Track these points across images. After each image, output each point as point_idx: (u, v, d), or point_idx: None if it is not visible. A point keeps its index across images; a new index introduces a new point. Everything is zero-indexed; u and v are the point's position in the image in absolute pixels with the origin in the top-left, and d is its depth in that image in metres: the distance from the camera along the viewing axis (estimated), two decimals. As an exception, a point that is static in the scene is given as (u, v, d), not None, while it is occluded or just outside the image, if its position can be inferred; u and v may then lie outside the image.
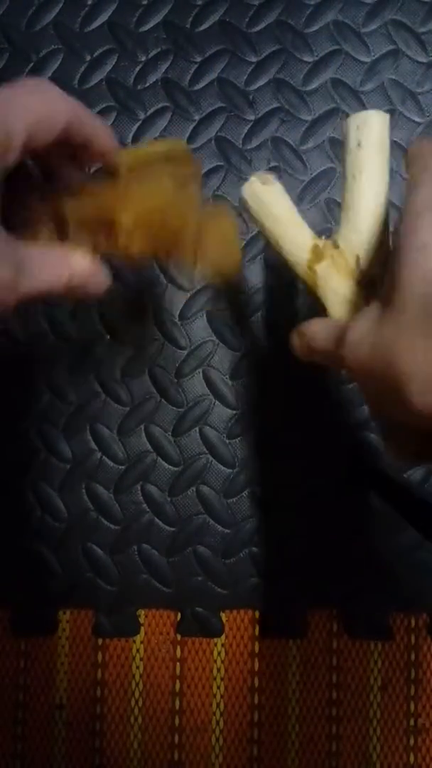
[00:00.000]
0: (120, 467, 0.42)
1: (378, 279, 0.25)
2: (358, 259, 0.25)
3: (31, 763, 0.41)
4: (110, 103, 0.44)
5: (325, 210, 0.43)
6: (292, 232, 0.27)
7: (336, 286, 0.25)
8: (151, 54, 0.44)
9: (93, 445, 0.42)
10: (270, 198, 0.27)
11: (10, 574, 0.42)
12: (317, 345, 0.23)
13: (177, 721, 0.41)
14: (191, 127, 0.43)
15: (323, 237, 0.26)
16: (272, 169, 0.43)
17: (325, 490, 0.42)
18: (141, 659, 0.42)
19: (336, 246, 0.26)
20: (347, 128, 0.25)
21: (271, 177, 0.27)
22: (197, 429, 0.42)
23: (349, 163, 0.25)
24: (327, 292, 0.25)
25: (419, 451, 0.21)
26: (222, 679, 0.41)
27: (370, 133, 0.25)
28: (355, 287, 0.25)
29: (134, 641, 0.42)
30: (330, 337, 0.22)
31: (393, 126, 0.42)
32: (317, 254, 0.26)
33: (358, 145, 0.25)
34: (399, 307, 0.18)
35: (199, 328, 0.42)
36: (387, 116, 0.25)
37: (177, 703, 0.42)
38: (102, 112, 0.44)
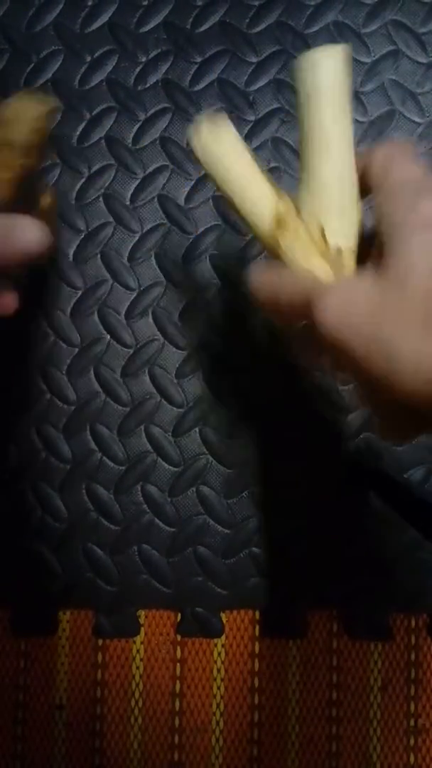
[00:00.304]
0: (120, 468, 0.42)
1: (348, 252, 0.23)
2: (322, 231, 0.23)
3: (31, 763, 0.41)
4: (110, 104, 0.44)
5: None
6: (251, 193, 0.24)
7: (300, 258, 0.23)
8: (152, 55, 0.44)
9: (93, 445, 0.42)
10: (223, 150, 0.24)
11: (10, 574, 0.42)
12: (283, 297, 0.22)
13: (177, 722, 0.41)
14: (191, 128, 0.43)
15: (282, 191, 0.24)
16: (272, 170, 0.43)
17: (326, 491, 0.42)
18: (141, 660, 0.42)
19: (298, 213, 0.23)
20: (295, 76, 0.21)
21: (222, 120, 0.24)
22: (197, 429, 0.42)
23: (302, 119, 0.21)
24: (291, 263, 0.23)
25: (404, 426, 0.21)
26: (222, 679, 0.41)
27: (321, 80, 0.20)
28: (320, 259, 0.23)
29: (134, 642, 0.42)
30: (300, 293, 0.21)
31: (393, 127, 0.43)
32: (280, 223, 0.23)
33: (308, 96, 0.21)
34: (400, 290, 0.18)
35: (199, 329, 0.42)
36: (341, 54, 0.20)
37: (177, 703, 0.42)
38: (102, 113, 0.44)
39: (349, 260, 0.23)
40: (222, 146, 0.24)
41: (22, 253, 0.24)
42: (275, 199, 0.24)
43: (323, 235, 0.23)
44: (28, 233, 0.24)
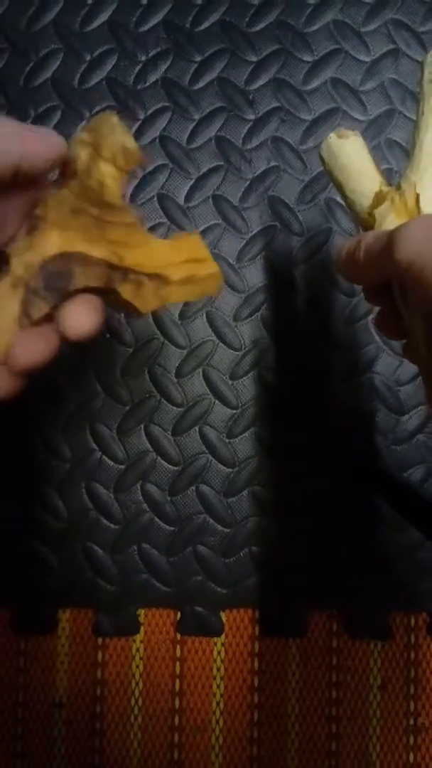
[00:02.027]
0: (120, 466, 0.42)
1: None
2: (417, 198, 0.24)
3: (31, 762, 0.41)
4: (110, 103, 0.44)
5: (325, 210, 0.43)
6: (357, 180, 0.26)
7: (390, 224, 0.24)
8: (151, 53, 0.44)
9: (93, 444, 0.42)
10: (341, 149, 0.26)
11: (10, 573, 0.42)
12: (368, 250, 0.22)
13: (177, 721, 0.41)
14: (191, 127, 0.43)
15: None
16: (272, 169, 0.43)
17: (326, 490, 0.42)
18: (141, 658, 0.42)
19: (398, 188, 0.25)
20: (425, 63, 0.25)
21: (349, 132, 0.27)
22: (197, 428, 0.42)
23: (422, 100, 0.25)
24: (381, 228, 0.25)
25: None
26: (222, 678, 0.41)
27: None
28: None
29: (134, 640, 0.42)
30: (380, 240, 0.21)
31: (393, 125, 0.43)
32: (378, 199, 0.25)
33: (430, 81, 0.25)
34: None
35: (199, 328, 0.42)
36: None
37: (177, 702, 0.42)
38: (102, 111, 0.44)
39: None
40: (341, 146, 0.27)
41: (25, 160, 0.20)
42: (380, 180, 0.26)
43: (417, 202, 0.24)
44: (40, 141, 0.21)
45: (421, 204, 0.24)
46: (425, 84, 0.25)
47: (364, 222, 0.26)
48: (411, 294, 0.21)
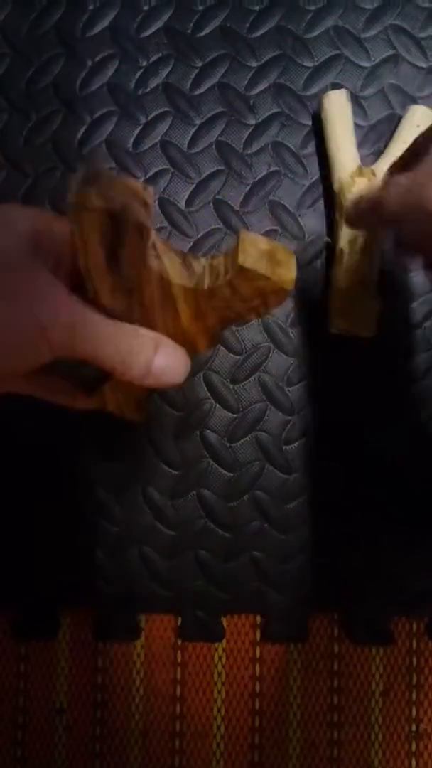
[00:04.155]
0: (121, 470, 0.42)
1: None
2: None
3: (32, 767, 0.41)
4: (111, 108, 0.44)
5: (324, 215, 0.43)
6: (347, 146, 0.40)
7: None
8: (152, 59, 0.44)
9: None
10: (341, 114, 0.40)
11: (10, 577, 0.42)
12: (366, 200, 0.29)
13: (177, 726, 0.41)
14: (192, 132, 0.44)
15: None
16: (272, 173, 0.43)
17: (327, 494, 0.41)
18: (141, 664, 0.42)
19: (374, 174, 0.39)
20: (411, 113, 0.41)
21: (345, 96, 0.40)
22: (198, 433, 0.42)
23: (402, 135, 0.40)
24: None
25: None
26: (223, 683, 0.41)
27: (420, 122, 0.40)
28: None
29: (135, 645, 0.42)
30: (375, 192, 0.28)
31: (393, 131, 0.43)
32: (360, 171, 0.39)
33: (416, 125, 0.40)
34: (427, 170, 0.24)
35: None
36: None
37: (177, 707, 0.41)
38: (103, 117, 0.44)
39: None
40: (334, 111, 0.40)
41: (150, 380, 0.23)
42: (356, 159, 0.40)
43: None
44: (166, 359, 0.23)
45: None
46: (414, 128, 0.40)
47: (345, 181, 0.39)
48: (409, 229, 0.26)
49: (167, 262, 0.22)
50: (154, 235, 0.21)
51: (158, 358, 0.23)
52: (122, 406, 0.28)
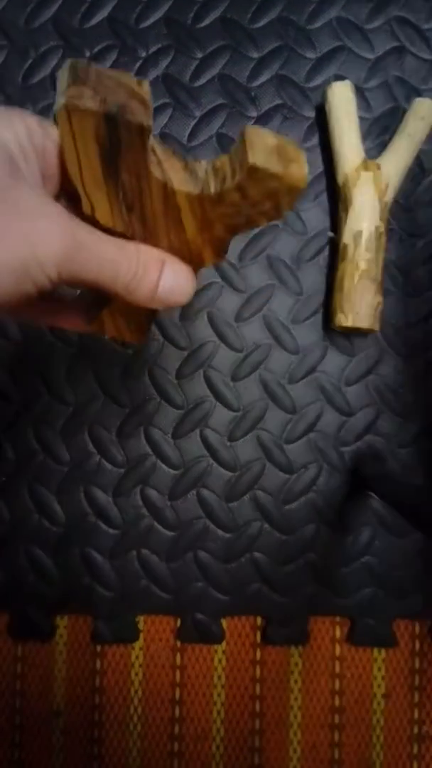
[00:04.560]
0: (119, 470, 0.41)
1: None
2: (387, 186, 0.39)
3: (29, 770, 0.41)
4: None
5: (327, 208, 0.42)
6: (352, 139, 0.40)
7: (365, 194, 0.39)
8: (152, 50, 0.43)
9: (92, 447, 0.41)
10: (345, 106, 0.39)
11: (7, 578, 0.41)
12: None
13: (177, 729, 0.41)
14: (192, 124, 0.43)
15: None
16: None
17: (328, 495, 0.41)
18: (140, 666, 0.41)
19: (378, 168, 0.39)
20: (416, 106, 0.40)
21: (349, 86, 0.39)
22: (198, 431, 0.41)
23: (407, 128, 0.40)
24: (358, 195, 0.39)
25: None
26: (223, 686, 0.41)
27: (425, 115, 0.39)
28: (378, 203, 0.39)
29: (133, 648, 0.41)
30: None
31: (397, 123, 0.42)
32: (365, 165, 0.39)
33: (422, 118, 0.39)
34: None
35: (200, 329, 0.42)
36: None
37: (177, 710, 0.41)
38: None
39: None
40: (338, 103, 0.40)
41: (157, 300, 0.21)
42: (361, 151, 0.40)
43: (386, 189, 0.39)
44: (173, 279, 0.21)
45: (387, 192, 0.39)
46: (417, 120, 0.40)
47: (350, 173, 0.39)
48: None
49: (168, 167, 0.20)
50: (153, 139, 0.19)
51: (164, 278, 0.21)
52: (122, 331, 0.25)
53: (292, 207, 0.22)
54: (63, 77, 0.18)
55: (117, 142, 0.18)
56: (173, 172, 0.20)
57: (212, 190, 0.20)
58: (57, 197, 0.20)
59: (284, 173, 0.19)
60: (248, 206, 0.20)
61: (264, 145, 0.19)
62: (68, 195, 0.20)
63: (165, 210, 0.20)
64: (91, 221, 0.20)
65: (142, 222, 0.21)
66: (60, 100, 0.17)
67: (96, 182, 0.19)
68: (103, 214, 0.20)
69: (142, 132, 0.18)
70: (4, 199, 0.17)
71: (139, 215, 0.21)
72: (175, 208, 0.20)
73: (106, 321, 0.25)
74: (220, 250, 0.23)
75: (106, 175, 0.19)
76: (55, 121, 0.18)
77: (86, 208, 0.20)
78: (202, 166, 0.21)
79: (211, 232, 0.22)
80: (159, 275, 0.21)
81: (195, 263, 0.23)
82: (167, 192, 0.20)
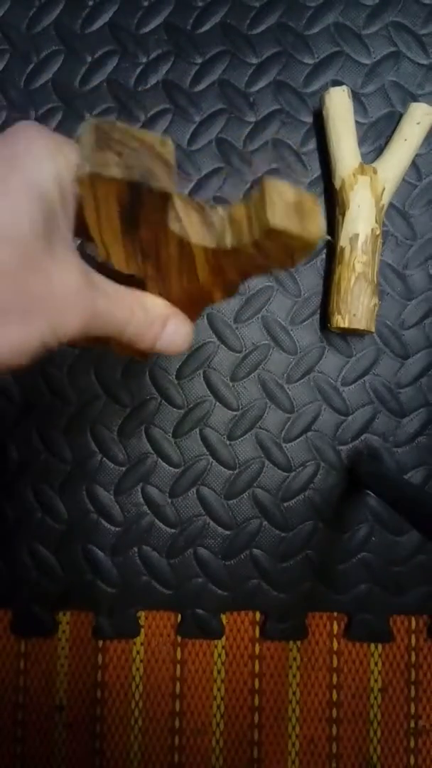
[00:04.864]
0: (120, 468, 0.42)
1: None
2: (383, 189, 0.40)
3: (31, 764, 0.41)
4: (111, 105, 0.44)
5: (324, 212, 0.43)
6: (349, 144, 0.40)
7: (362, 198, 0.39)
8: (152, 55, 0.44)
9: (93, 446, 0.42)
10: (342, 111, 0.40)
11: (10, 575, 0.42)
12: None
13: (177, 723, 0.41)
14: (192, 129, 0.43)
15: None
16: (273, 171, 0.43)
17: (326, 493, 0.42)
18: (141, 661, 0.42)
19: (375, 172, 0.40)
20: (411, 111, 0.41)
21: (346, 92, 0.40)
22: (198, 430, 0.42)
23: (403, 132, 0.41)
24: (355, 198, 0.39)
25: None
26: (222, 681, 0.41)
27: (421, 119, 0.40)
28: (374, 206, 0.39)
29: (134, 643, 0.42)
30: None
31: (393, 128, 0.43)
32: (362, 169, 0.40)
33: (418, 123, 0.40)
34: None
35: (200, 329, 0.42)
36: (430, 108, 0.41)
37: (177, 704, 0.41)
38: (102, 114, 0.44)
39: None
40: (335, 108, 0.40)
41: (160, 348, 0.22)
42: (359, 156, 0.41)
43: (381, 193, 0.40)
44: (175, 333, 0.22)
45: (383, 195, 0.40)
46: (413, 125, 0.41)
47: (348, 177, 0.40)
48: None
49: (186, 221, 0.20)
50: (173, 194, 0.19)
51: (165, 333, 0.22)
52: (127, 352, 0.27)
53: (307, 257, 0.22)
54: (87, 139, 0.17)
55: (139, 205, 0.18)
56: (191, 227, 0.20)
57: (228, 244, 0.20)
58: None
59: (301, 232, 0.19)
60: (263, 258, 0.21)
61: (283, 203, 0.19)
62: (84, 235, 0.20)
63: (180, 258, 0.21)
64: (105, 265, 0.21)
65: (156, 267, 0.21)
66: (84, 167, 0.17)
67: (114, 236, 0.19)
68: (118, 261, 0.21)
69: (166, 198, 0.18)
70: (36, 270, 0.17)
71: (154, 262, 0.21)
72: (190, 256, 0.21)
73: (113, 344, 0.25)
74: (231, 291, 0.23)
75: (125, 232, 0.19)
76: (78, 182, 0.18)
77: (101, 254, 0.20)
78: (218, 214, 0.21)
79: (223, 277, 0.22)
80: (161, 331, 0.22)
81: (205, 301, 0.23)
82: (184, 244, 0.20)
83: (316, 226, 0.19)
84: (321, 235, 0.19)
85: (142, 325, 0.21)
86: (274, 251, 0.20)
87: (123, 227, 0.19)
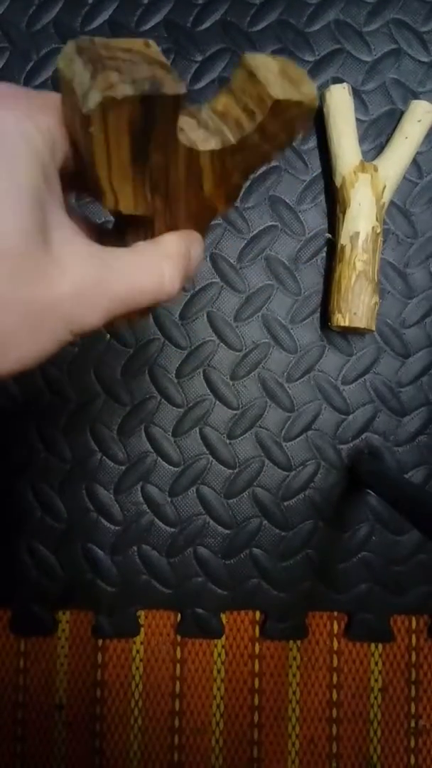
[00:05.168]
0: (120, 467, 0.42)
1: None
2: (384, 187, 0.39)
3: (31, 763, 0.41)
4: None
5: (325, 209, 0.43)
6: (349, 141, 0.40)
7: (363, 196, 0.39)
8: (152, 53, 0.44)
9: (93, 445, 0.42)
10: (342, 108, 0.40)
11: (10, 574, 0.42)
12: None
13: (177, 723, 0.41)
14: (192, 127, 0.43)
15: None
16: (273, 169, 0.43)
17: (326, 492, 0.41)
18: (141, 660, 0.42)
19: (375, 170, 0.40)
20: (412, 108, 0.41)
21: (346, 90, 0.40)
22: (197, 429, 0.42)
23: (404, 130, 0.41)
24: (356, 196, 0.39)
25: None
26: (222, 680, 0.41)
27: (421, 117, 0.40)
28: (375, 204, 0.39)
29: (134, 642, 0.42)
30: None
31: (394, 125, 0.43)
32: (363, 167, 0.40)
33: (418, 120, 0.40)
34: None
35: (200, 328, 0.42)
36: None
37: (177, 704, 0.41)
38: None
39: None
40: (336, 106, 0.40)
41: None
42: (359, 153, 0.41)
43: (383, 191, 0.40)
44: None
45: (384, 193, 0.40)
46: (414, 123, 0.40)
47: (348, 175, 0.40)
48: None
49: (188, 129, 0.18)
50: None
51: (178, 276, 0.20)
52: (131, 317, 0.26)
53: (306, 127, 0.21)
54: (75, 65, 0.15)
55: (152, 121, 0.16)
56: (193, 133, 0.18)
57: (233, 139, 0.19)
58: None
59: (301, 98, 0.18)
60: (267, 144, 0.19)
61: (273, 76, 0.17)
62: (79, 192, 0.19)
63: (187, 175, 0.19)
64: (113, 212, 0.19)
65: (165, 197, 0.20)
66: (93, 97, 0.15)
67: (124, 175, 0.18)
68: (126, 204, 0.19)
69: (178, 102, 0.16)
70: (36, 280, 0.16)
71: (163, 192, 0.20)
72: (197, 169, 0.19)
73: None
74: (234, 198, 0.22)
75: (135, 165, 0.18)
76: (84, 123, 0.16)
77: (109, 203, 0.19)
78: (207, 112, 0.19)
79: (228, 183, 0.21)
80: (178, 279, 0.20)
81: (211, 216, 0.22)
82: (192, 156, 0.19)
83: (310, 87, 0.18)
84: (315, 95, 0.18)
85: (175, 277, 0.20)
86: (278, 129, 0.19)
87: (133, 159, 0.17)
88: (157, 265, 0.19)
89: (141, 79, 0.15)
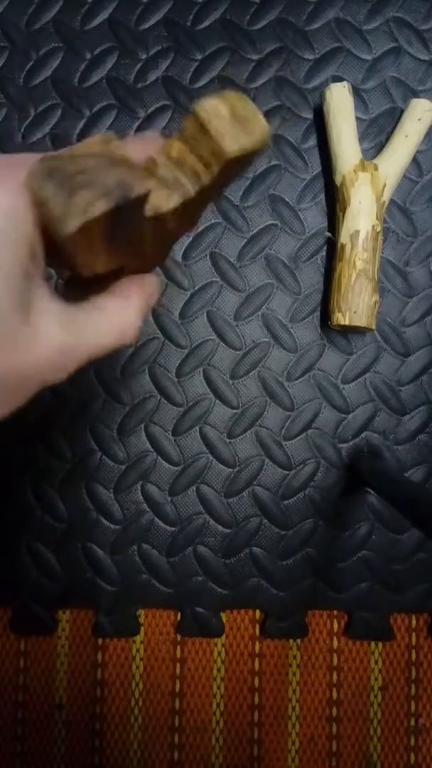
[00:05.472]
0: (120, 467, 0.42)
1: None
2: (384, 186, 0.40)
3: (31, 762, 0.41)
4: (110, 101, 0.44)
5: (325, 208, 0.43)
6: (349, 140, 0.40)
7: (363, 195, 0.39)
8: (152, 52, 0.44)
9: (93, 444, 0.42)
10: (342, 107, 0.40)
11: (10, 573, 0.42)
12: None
13: (177, 721, 0.41)
14: (192, 125, 0.43)
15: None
16: (273, 167, 0.43)
17: (326, 491, 0.41)
18: (141, 659, 0.42)
19: (376, 169, 0.40)
20: (413, 106, 0.40)
21: (347, 90, 0.40)
22: (197, 428, 0.42)
23: (404, 128, 0.41)
24: (356, 195, 0.39)
25: None
26: (222, 679, 0.41)
27: (422, 116, 0.40)
28: (375, 203, 0.39)
29: (134, 641, 0.42)
30: None
31: (394, 124, 0.43)
32: (363, 165, 0.40)
33: (419, 119, 0.40)
34: None
35: (200, 327, 0.42)
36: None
37: (177, 703, 0.41)
38: (102, 111, 0.44)
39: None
40: (343, 104, 0.40)
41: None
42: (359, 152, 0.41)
43: (383, 189, 0.40)
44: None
45: (384, 192, 0.40)
46: (414, 121, 0.40)
47: (348, 173, 0.40)
48: None
49: (153, 196, 0.19)
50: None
51: (138, 324, 0.22)
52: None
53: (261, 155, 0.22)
54: (48, 188, 0.16)
55: (124, 218, 0.17)
56: (158, 198, 0.19)
57: (192, 192, 0.19)
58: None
59: (254, 142, 0.18)
60: (226, 180, 0.20)
61: (224, 123, 0.18)
62: (57, 266, 0.20)
63: (154, 229, 0.20)
64: (86, 278, 0.20)
65: (135, 251, 0.21)
66: (72, 223, 0.16)
67: (98, 252, 0.19)
68: (102, 267, 0.20)
69: (146, 197, 0.17)
70: (12, 348, 0.17)
71: (134, 248, 0.21)
72: (162, 224, 0.20)
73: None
74: (194, 222, 0.23)
75: (110, 244, 0.19)
76: (62, 236, 0.16)
77: (87, 273, 0.20)
78: (162, 162, 0.19)
79: (190, 218, 0.22)
80: (138, 321, 0.22)
81: (174, 241, 0.23)
82: (158, 217, 0.19)
83: (261, 125, 0.18)
84: (267, 133, 0.18)
85: (136, 327, 0.22)
86: (235, 169, 0.19)
87: (107, 243, 0.18)
88: (123, 322, 0.21)
89: (110, 185, 0.16)
